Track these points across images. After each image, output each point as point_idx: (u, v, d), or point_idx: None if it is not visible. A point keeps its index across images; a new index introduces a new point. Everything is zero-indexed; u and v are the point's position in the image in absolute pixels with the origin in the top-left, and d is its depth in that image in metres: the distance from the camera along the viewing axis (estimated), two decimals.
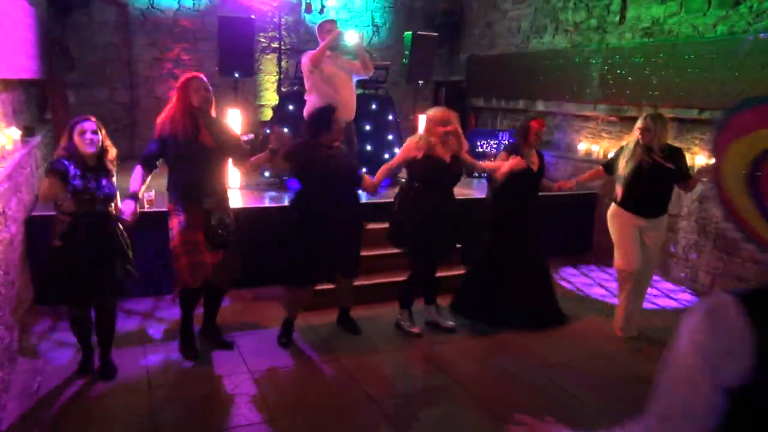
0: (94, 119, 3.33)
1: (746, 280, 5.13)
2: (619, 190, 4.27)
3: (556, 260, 5.70)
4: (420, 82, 6.91)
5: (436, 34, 7.07)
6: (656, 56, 5.85)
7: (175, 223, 3.65)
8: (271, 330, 4.27)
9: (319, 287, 4.31)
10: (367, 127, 6.49)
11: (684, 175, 4.26)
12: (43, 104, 6.85)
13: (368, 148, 6.51)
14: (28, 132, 5.01)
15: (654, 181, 4.16)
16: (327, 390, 3.57)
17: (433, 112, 4.17)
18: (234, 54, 5.91)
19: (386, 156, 6.47)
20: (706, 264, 5.53)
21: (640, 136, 4.13)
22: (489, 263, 4.50)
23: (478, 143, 7.31)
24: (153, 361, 3.78)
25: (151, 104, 7.98)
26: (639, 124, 4.17)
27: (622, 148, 4.35)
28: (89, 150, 3.26)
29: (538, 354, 4.13)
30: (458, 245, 4.47)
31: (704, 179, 4.68)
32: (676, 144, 5.82)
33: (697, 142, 5.66)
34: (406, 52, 6.70)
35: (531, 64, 7.65)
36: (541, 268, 4.59)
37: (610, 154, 5.06)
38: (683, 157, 4.30)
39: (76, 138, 3.26)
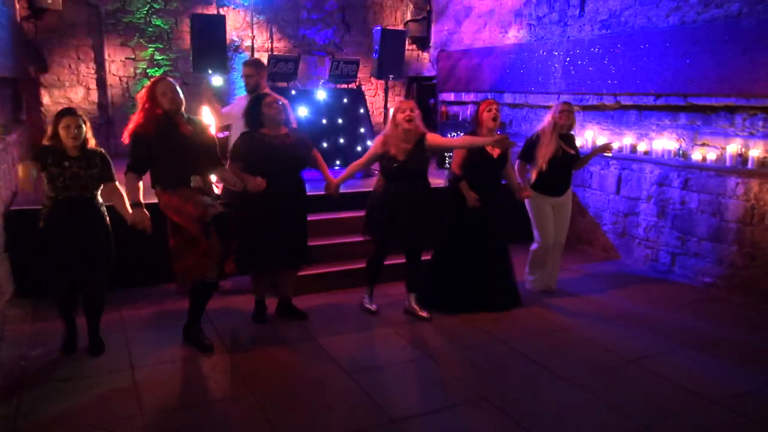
0: (79, 113, 3.54)
1: (703, 257, 5.42)
2: (534, 175, 4.77)
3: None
4: (390, 76, 7.10)
5: (404, 29, 7.26)
6: (614, 46, 6.11)
7: (172, 216, 3.67)
8: (244, 313, 4.45)
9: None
10: (340, 120, 6.67)
11: (578, 160, 5.01)
12: (17, 105, 6.90)
13: (341, 141, 6.68)
14: (4, 130, 5.10)
15: (564, 164, 4.81)
16: (302, 365, 3.73)
17: (396, 103, 4.37)
18: (207, 51, 6.04)
19: (358, 148, 6.66)
20: (665, 243, 5.80)
21: (563, 123, 4.73)
22: (450, 249, 4.64)
23: (450, 135, 7.52)
24: (133, 343, 3.94)
25: (126, 103, 8.07)
26: (560, 108, 4.72)
27: (536, 139, 4.81)
28: (71, 143, 3.48)
29: (502, 329, 4.34)
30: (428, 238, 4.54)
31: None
32: (635, 131, 6.11)
33: (653, 127, 5.93)
34: (376, 47, 6.89)
35: (497, 57, 7.89)
36: (501, 252, 4.70)
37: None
38: (575, 143, 5.05)
39: (61, 131, 3.48)
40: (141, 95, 3.73)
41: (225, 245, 3.69)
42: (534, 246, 5.06)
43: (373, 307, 4.59)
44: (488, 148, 4.47)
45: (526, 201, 4.96)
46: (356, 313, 4.60)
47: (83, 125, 3.53)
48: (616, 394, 3.43)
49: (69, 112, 3.52)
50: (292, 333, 4.20)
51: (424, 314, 4.50)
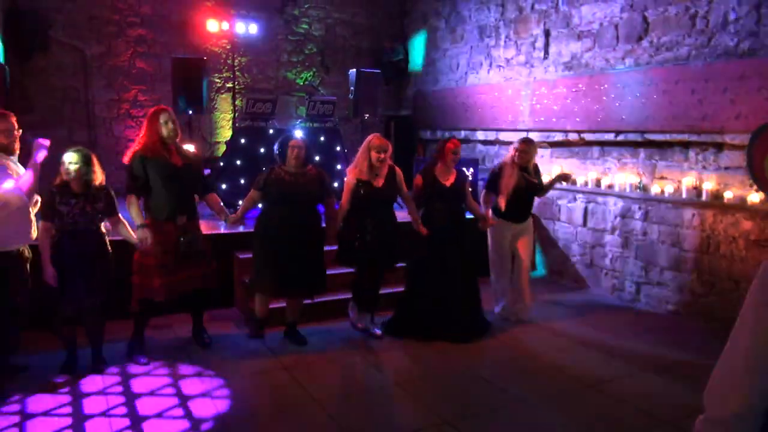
0: (84, 151, 3.80)
1: (666, 286, 5.63)
2: (502, 203, 5.00)
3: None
4: (366, 115, 7.38)
5: (378, 70, 7.58)
6: (576, 87, 6.45)
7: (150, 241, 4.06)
8: (221, 343, 4.57)
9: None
10: (317, 158, 6.89)
11: (541, 188, 5.33)
12: None
13: None
14: None
15: (526, 194, 5.11)
16: (276, 393, 3.84)
17: (372, 137, 4.62)
18: (187, 92, 6.28)
19: (335, 184, 6.86)
20: (630, 273, 6.02)
21: (518, 158, 5.01)
22: (417, 278, 4.85)
23: None
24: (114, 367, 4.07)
25: (110, 143, 8.24)
26: (517, 146, 5.05)
27: (498, 171, 5.11)
28: (67, 178, 3.76)
29: (470, 358, 4.48)
30: (397, 261, 4.83)
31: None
32: (599, 166, 6.38)
33: (615, 162, 6.22)
34: (351, 88, 7.18)
35: (470, 97, 8.23)
36: (468, 282, 4.88)
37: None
38: (540, 173, 5.36)
39: (61, 168, 3.76)
40: (144, 120, 4.15)
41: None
42: (491, 277, 5.34)
43: (360, 325, 4.83)
44: (441, 179, 4.75)
45: (488, 231, 5.20)
46: (326, 339, 4.73)
47: (89, 163, 3.78)
48: (575, 417, 3.58)
49: (75, 150, 3.76)
50: (264, 362, 4.31)
51: (376, 332, 4.81)
